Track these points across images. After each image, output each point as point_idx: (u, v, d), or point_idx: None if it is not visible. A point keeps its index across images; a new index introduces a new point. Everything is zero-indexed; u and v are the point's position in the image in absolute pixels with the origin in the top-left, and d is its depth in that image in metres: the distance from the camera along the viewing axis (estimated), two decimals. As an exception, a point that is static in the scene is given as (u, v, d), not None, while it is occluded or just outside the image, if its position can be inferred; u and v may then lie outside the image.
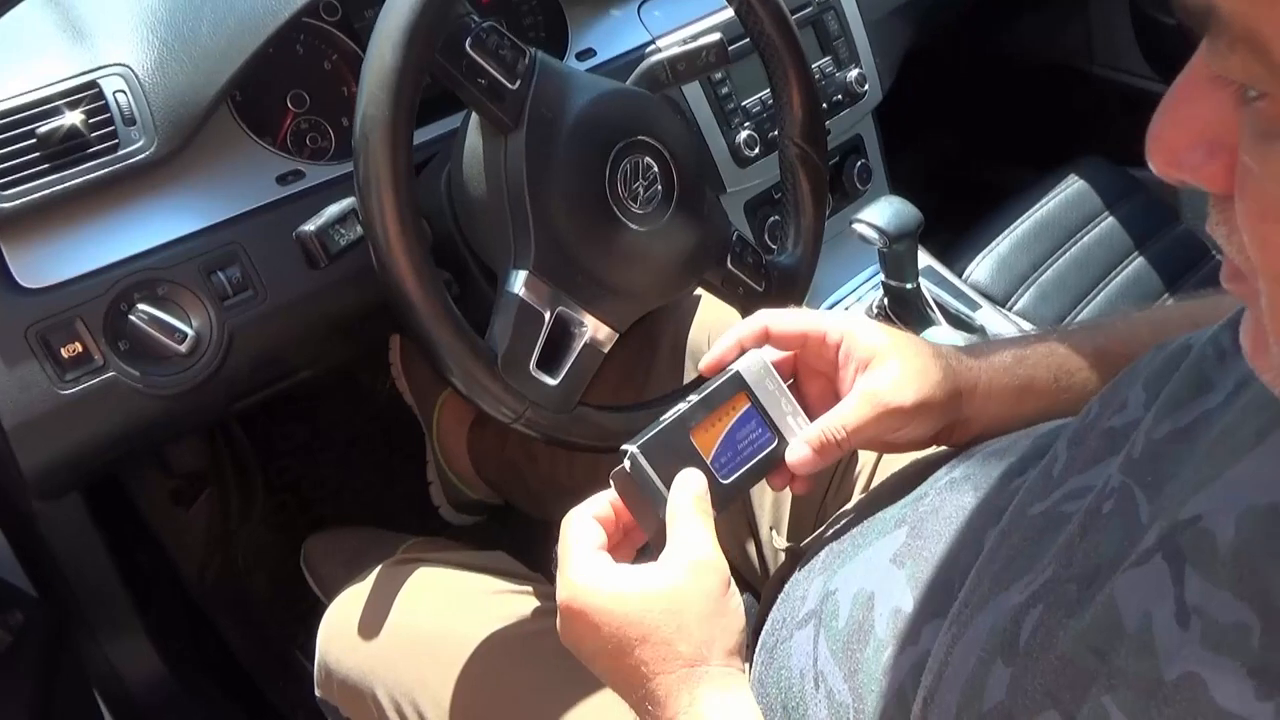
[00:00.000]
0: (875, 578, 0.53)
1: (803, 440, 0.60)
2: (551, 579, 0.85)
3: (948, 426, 0.63)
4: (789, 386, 0.63)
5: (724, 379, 0.61)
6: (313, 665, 0.88)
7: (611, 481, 0.59)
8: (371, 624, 0.81)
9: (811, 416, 0.62)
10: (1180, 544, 0.37)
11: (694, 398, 0.61)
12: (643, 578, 0.54)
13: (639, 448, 0.58)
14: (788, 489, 0.63)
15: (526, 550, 0.93)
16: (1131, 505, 0.41)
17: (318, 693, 0.86)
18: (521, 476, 1.25)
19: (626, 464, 0.58)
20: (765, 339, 0.63)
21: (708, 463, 0.60)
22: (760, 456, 0.61)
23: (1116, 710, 0.36)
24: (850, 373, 0.61)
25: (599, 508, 0.59)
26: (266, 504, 1.42)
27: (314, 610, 1.20)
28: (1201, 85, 0.31)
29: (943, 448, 0.75)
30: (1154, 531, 0.38)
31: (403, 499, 1.45)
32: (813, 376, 0.65)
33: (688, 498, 0.57)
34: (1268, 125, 0.29)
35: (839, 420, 0.60)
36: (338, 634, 0.83)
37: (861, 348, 0.61)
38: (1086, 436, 0.49)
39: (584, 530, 0.57)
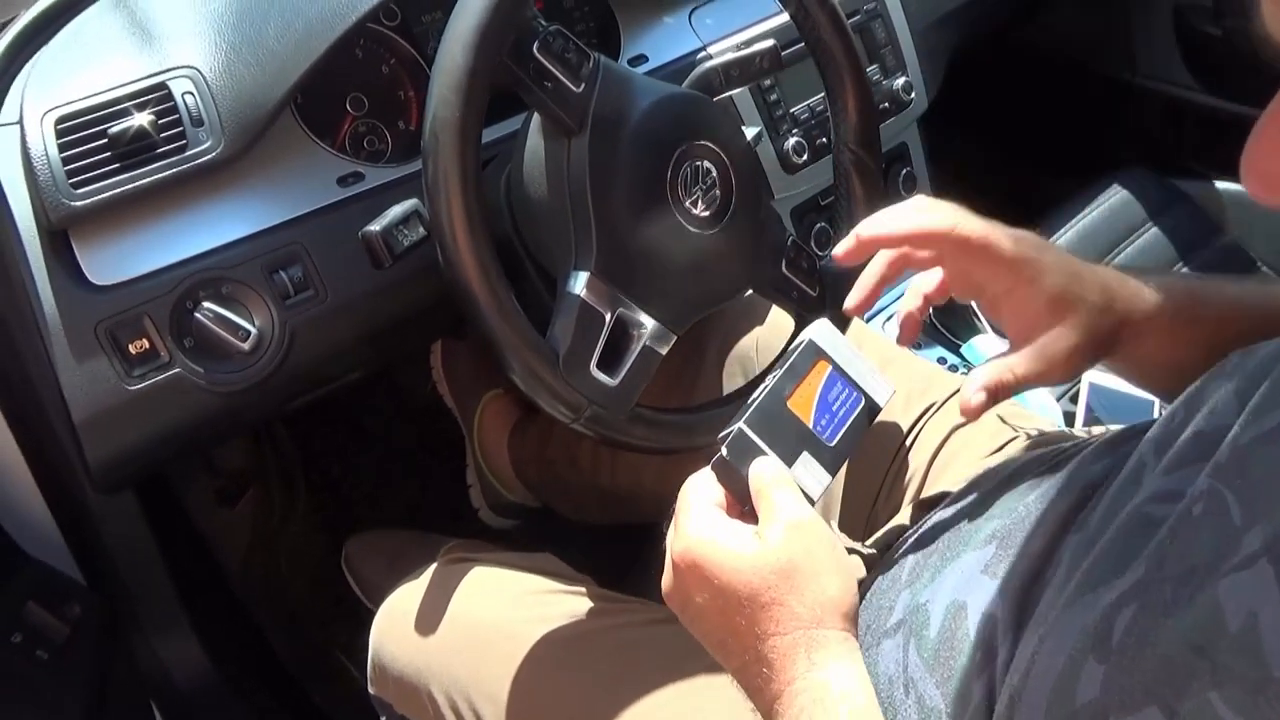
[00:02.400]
0: (967, 588, 0.53)
1: (978, 385, 0.59)
2: (637, 591, 0.85)
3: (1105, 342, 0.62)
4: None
5: (799, 350, 0.63)
6: (354, 665, 0.89)
7: (713, 468, 0.59)
8: (426, 622, 0.81)
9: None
10: None
11: (778, 372, 0.62)
12: (753, 538, 0.54)
13: (745, 422, 0.59)
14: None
15: (565, 554, 0.94)
16: (1222, 506, 0.41)
17: (371, 689, 0.87)
18: (562, 480, 1.26)
19: (727, 447, 0.59)
20: (947, 240, 0.61)
21: (810, 427, 0.61)
22: (855, 416, 0.63)
23: (1223, 706, 0.36)
24: (1002, 309, 0.61)
25: None
26: (308, 505, 1.44)
27: (355, 611, 1.22)
28: None
29: (1013, 455, 0.75)
30: (1255, 536, 0.38)
31: (442, 502, 1.46)
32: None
33: (767, 473, 0.57)
34: None
35: (1007, 365, 0.60)
36: (392, 631, 0.84)
37: (1034, 301, 0.59)
38: (1173, 441, 0.49)
39: (704, 489, 0.57)
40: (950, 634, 0.52)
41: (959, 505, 0.63)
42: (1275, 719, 0.34)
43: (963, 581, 0.54)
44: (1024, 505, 0.55)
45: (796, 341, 0.64)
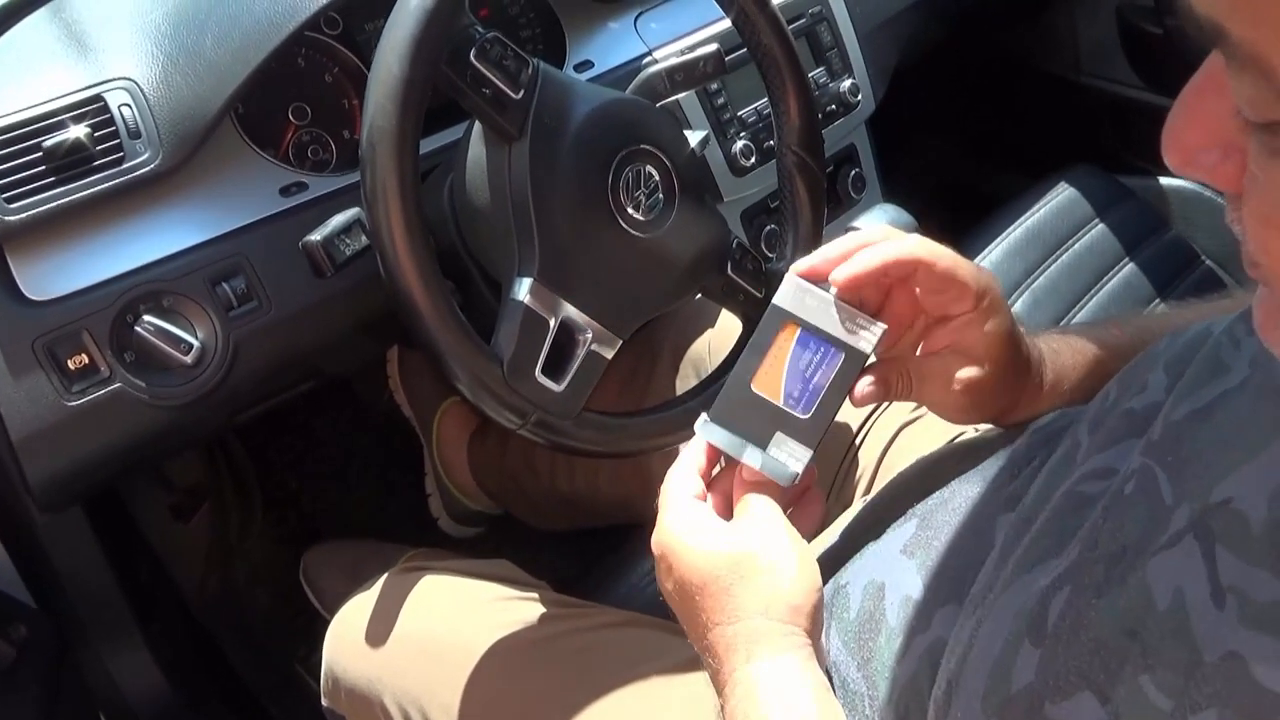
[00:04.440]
0: (885, 568, 0.54)
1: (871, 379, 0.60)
2: (597, 595, 0.85)
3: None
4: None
5: (764, 319, 0.60)
6: (314, 679, 0.88)
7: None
8: (379, 632, 0.81)
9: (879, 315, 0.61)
10: (1211, 525, 0.38)
11: (745, 352, 0.60)
12: (716, 532, 0.55)
13: (709, 414, 0.60)
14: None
15: (526, 560, 0.94)
16: (1154, 485, 0.42)
17: (324, 702, 0.86)
18: (521, 487, 1.26)
19: (699, 431, 0.59)
20: (912, 269, 0.58)
21: (780, 405, 0.59)
22: (835, 374, 0.59)
23: (1155, 690, 0.36)
24: (953, 331, 0.60)
25: (698, 458, 0.60)
26: (265, 518, 1.42)
27: (314, 624, 1.20)
28: (1216, 86, 0.31)
29: (946, 445, 0.76)
30: (1183, 514, 0.39)
31: (401, 511, 1.45)
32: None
33: (742, 473, 0.58)
34: (1275, 144, 0.29)
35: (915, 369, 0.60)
36: (345, 642, 0.84)
37: (982, 337, 0.59)
38: (1105, 419, 0.49)
39: (684, 482, 0.58)
40: (869, 615, 0.52)
41: (880, 490, 0.64)
42: (1204, 702, 0.35)
43: (881, 561, 0.55)
44: (945, 486, 0.56)
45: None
